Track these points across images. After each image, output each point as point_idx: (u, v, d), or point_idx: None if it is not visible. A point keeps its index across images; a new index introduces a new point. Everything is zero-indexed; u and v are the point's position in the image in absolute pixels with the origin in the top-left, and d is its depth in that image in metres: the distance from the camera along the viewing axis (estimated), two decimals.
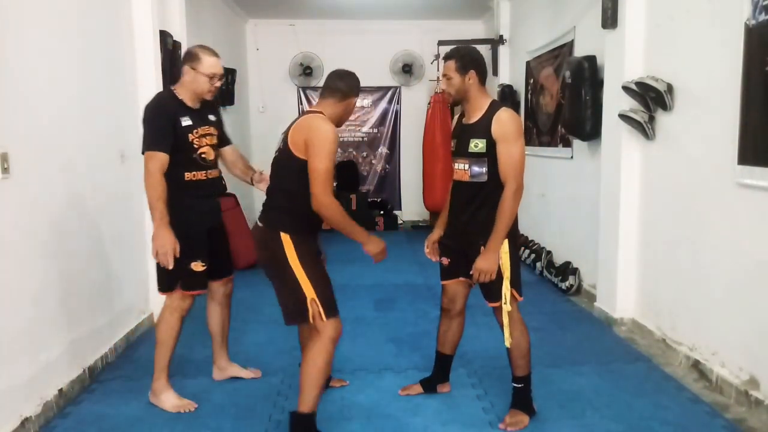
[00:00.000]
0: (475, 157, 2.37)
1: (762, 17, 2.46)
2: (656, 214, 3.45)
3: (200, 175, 2.59)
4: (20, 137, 2.46)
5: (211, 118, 2.68)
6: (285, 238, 2.25)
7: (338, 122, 2.36)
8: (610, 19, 3.64)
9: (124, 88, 3.56)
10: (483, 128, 2.36)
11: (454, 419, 2.56)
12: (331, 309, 2.27)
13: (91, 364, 3.02)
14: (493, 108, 2.38)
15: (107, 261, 3.27)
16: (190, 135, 2.53)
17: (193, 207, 2.57)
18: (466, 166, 2.40)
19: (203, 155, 2.58)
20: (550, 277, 4.90)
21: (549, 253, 5.16)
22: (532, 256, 5.42)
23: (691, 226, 3.08)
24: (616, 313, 3.72)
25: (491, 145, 2.34)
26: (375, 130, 8.18)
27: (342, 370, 3.04)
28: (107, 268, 3.27)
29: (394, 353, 3.36)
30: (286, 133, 2.29)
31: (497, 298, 2.41)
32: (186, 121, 2.52)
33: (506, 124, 2.32)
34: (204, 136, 2.59)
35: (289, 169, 2.25)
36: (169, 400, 2.64)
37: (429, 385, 2.77)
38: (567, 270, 4.64)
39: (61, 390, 2.70)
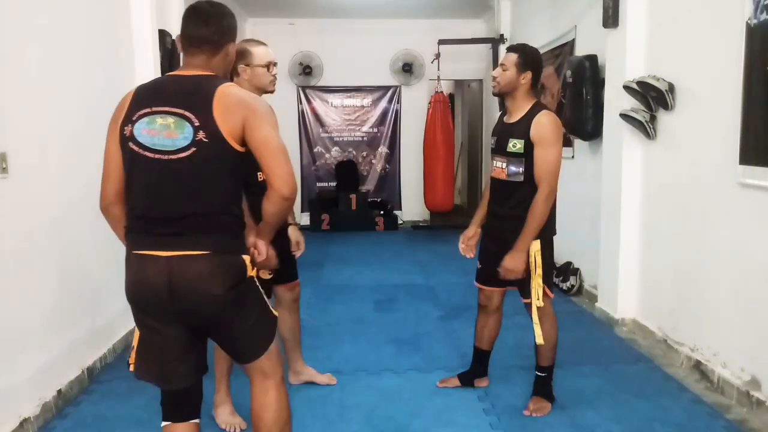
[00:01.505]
0: (513, 157, 2.42)
1: (763, 16, 2.45)
2: (657, 214, 3.44)
3: None
4: (19, 137, 2.45)
5: None
6: (248, 263, 1.66)
7: (225, 75, 1.77)
8: (611, 18, 3.63)
9: (122, 87, 3.52)
10: (522, 129, 2.39)
11: (455, 420, 2.55)
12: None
13: (90, 364, 3.01)
14: (534, 110, 2.41)
15: (106, 261, 3.26)
16: None
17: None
18: (504, 165, 2.46)
19: None
20: None
21: None
22: None
23: (692, 226, 3.06)
24: (618, 314, 3.70)
25: (529, 146, 2.37)
26: (375, 130, 8.16)
27: (342, 370, 3.03)
28: (106, 268, 3.26)
29: (394, 354, 3.35)
30: (193, 120, 1.54)
31: (527, 295, 2.48)
32: None
33: (545, 127, 2.35)
34: None
35: (226, 167, 1.58)
36: (221, 415, 2.55)
37: (467, 379, 2.81)
38: (568, 270, 4.64)
39: (59, 391, 2.69)
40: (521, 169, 2.41)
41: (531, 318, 2.51)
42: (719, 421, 2.53)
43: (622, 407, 2.65)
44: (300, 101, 7.96)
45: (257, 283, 1.70)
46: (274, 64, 2.49)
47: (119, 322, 3.40)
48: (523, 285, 2.49)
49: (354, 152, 8.17)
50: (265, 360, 1.73)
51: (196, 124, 1.53)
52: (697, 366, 2.97)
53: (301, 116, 8.01)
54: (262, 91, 2.47)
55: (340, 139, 8.14)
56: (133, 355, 1.72)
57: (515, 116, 2.46)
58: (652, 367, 3.12)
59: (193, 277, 1.54)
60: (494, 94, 2.57)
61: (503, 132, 2.49)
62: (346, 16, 7.45)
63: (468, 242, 2.68)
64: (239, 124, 1.54)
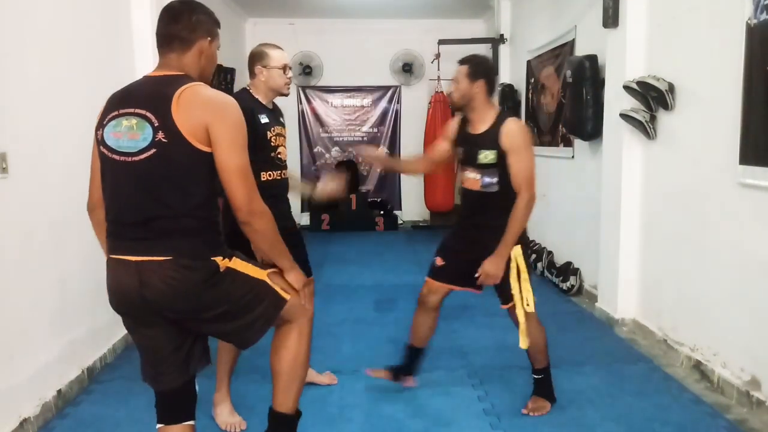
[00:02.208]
0: (486, 168, 2.41)
1: (763, 16, 2.44)
2: (657, 215, 3.44)
3: (276, 174, 2.50)
4: (19, 137, 2.46)
5: (281, 120, 2.65)
6: (221, 261, 1.61)
7: (202, 76, 1.68)
8: (611, 18, 3.63)
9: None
10: (491, 139, 2.38)
11: (455, 420, 2.55)
12: (286, 284, 1.77)
13: (90, 364, 3.01)
14: (500, 119, 2.41)
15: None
16: (268, 132, 2.48)
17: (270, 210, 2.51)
18: (478, 176, 2.44)
19: (279, 155, 2.53)
20: (551, 278, 4.88)
21: (550, 253, 5.15)
22: (533, 256, 5.40)
23: (692, 226, 3.06)
24: (618, 314, 3.70)
25: (501, 156, 2.36)
26: (375, 130, 8.16)
27: (342, 370, 3.03)
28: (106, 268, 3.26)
29: (394, 354, 3.33)
30: (154, 120, 1.51)
31: (508, 300, 2.47)
32: (264, 119, 2.48)
33: (515, 134, 2.35)
34: (279, 135, 2.55)
35: (191, 168, 1.54)
36: (221, 414, 2.53)
37: (396, 374, 2.76)
38: (568, 270, 4.63)
39: (59, 391, 2.69)
40: (495, 179, 2.40)
41: (514, 322, 2.52)
42: (719, 421, 2.52)
43: (623, 407, 2.65)
44: (300, 101, 7.96)
45: (239, 269, 1.65)
46: (290, 68, 2.59)
47: (119, 322, 3.37)
48: (503, 291, 2.47)
49: (354, 152, 8.17)
50: (284, 314, 1.74)
51: (156, 124, 1.49)
52: (697, 366, 2.97)
53: (301, 116, 8.01)
54: (277, 92, 2.57)
55: (340, 139, 8.14)
56: None
57: (480, 127, 2.44)
58: (652, 367, 3.12)
59: (159, 283, 1.53)
60: (454, 109, 2.56)
61: (471, 143, 2.46)
62: (345, 17, 7.45)
63: (371, 151, 2.66)
64: (202, 125, 1.50)
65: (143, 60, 3.69)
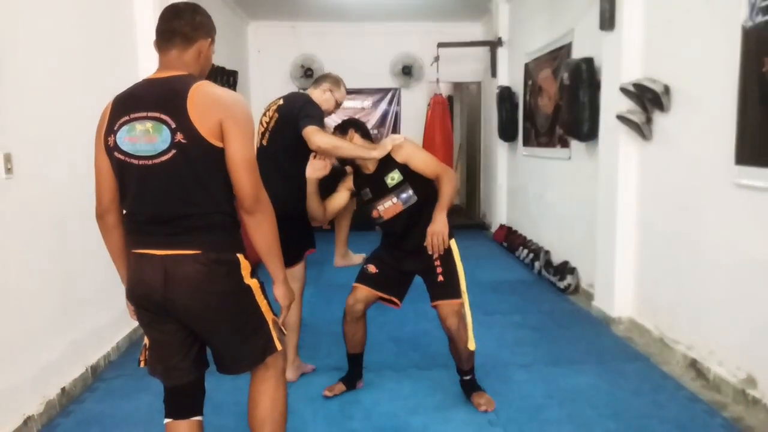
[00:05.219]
0: (398, 188, 2.53)
1: (759, 19, 2.48)
2: (654, 214, 3.47)
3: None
4: (24, 138, 2.49)
5: None
6: (243, 261, 1.64)
7: (200, 77, 1.69)
8: (607, 21, 3.66)
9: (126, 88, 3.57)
10: (390, 165, 2.53)
11: (454, 417, 2.58)
12: (282, 333, 1.76)
13: (94, 362, 3.04)
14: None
15: (109, 260, 3.28)
16: None
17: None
18: (395, 200, 2.55)
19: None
20: (548, 276, 4.92)
21: (547, 252, 5.19)
22: (530, 255, 5.45)
23: (688, 226, 3.10)
24: (614, 312, 3.74)
25: (404, 169, 2.51)
26: (375, 132, 8.17)
27: (342, 368, 3.05)
28: (109, 266, 3.26)
29: (394, 352, 3.38)
30: (169, 121, 1.52)
31: (459, 294, 2.56)
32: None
33: (402, 147, 2.52)
34: None
35: (210, 166, 1.56)
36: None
37: (351, 383, 2.86)
38: (565, 269, 4.67)
39: (63, 389, 2.72)
40: (410, 191, 2.52)
41: (450, 325, 2.56)
42: (716, 419, 2.55)
43: (619, 405, 2.68)
44: None
45: (257, 292, 1.67)
46: (341, 106, 2.99)
47: (123, 320, 3.42)
48: (447, 286, 2.55)
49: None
50: (268, 358, 1.74)
51: (173, 126, 1.51)
52: (693, 364, 3.00)
53: None
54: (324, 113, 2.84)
55: None
56: (144, 352, 1.75)
57: (371, 164, 2.57)
58: (649, 365, 3.15)
59: (185, 276, 1.56)
60: (344, 164, 2.72)
61: (373, 182, 2.58)
62: (346, 20, 7.49)
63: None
64: (217, 123, 1.53)
65: (147, 61, 3.72)
